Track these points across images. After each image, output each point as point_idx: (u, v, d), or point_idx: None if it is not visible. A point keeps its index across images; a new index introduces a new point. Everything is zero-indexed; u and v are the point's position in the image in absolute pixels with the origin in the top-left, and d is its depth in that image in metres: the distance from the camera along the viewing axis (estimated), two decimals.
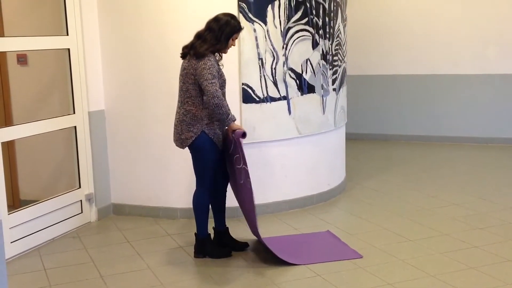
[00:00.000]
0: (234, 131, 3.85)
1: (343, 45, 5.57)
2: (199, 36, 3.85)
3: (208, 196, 4.03)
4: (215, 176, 4.01)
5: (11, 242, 4.12)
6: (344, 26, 5.60)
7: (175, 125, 3.93)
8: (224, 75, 3.92)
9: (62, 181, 5.01)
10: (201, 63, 3.74)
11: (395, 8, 8.01)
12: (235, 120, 3.88)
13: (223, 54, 3.98)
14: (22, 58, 5.05)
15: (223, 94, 3.90)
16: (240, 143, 3.81)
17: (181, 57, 3.92)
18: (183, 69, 3.86)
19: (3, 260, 2.16)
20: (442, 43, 7.81)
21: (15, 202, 5.20)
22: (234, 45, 3.97)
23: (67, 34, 4.59)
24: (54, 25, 4.67)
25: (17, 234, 4.19)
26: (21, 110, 5.13)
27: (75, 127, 4.72)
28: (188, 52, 3.84)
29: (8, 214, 4.12)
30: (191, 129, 3.83)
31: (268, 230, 4.53)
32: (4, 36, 4.90)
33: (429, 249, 4.14)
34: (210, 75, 3.73)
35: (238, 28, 3.91)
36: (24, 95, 5.15)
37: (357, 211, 5.13)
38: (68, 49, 4.61)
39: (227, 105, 3.82)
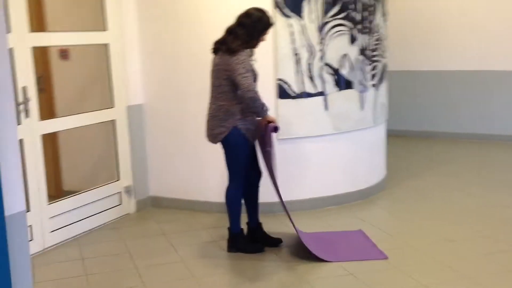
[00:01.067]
0: (268, 123, 3.84)
1: (384, 40, 5.47)
2: (230, 31, 3.85)
3: (240, 191, 4.04)
4: (247, 171, 4.02)
5: (51, 232, 4.26)
6: (385, 21, 5.50)
7: (208, 120, 3.95)
8: (256, 70, 3.91)
9: (103, 173, 5.12)
10: (233, 58, 3.74)
11: (440, 4, 7.80)
12: (269, 110, 3.87)
13: (255, 49, 3.96)
14: (64, 53, 5.18)
15: None
16: (270, 137, 3.81)
17: (212, 52, 3.93)
18: (215, 65, 3.87)
19: (27, 251, 2.21)
20: (492, 38, 7.56)
21: (58, 193, 5.34)
22: (265, 40, 3.94)
23: (106, 30, 4.68)
24: (95, 20, 4.76)
25: (56, 224, 4.32)
26: (63, 103, 5.27)
27: (114, 120, 4.82)
28: (220, 47, 3.85)
29: (48, 204, 4.25)
30: (224, 124, 3.85)
31: (303, 226, 4.49)
32: (47, 31, 5.04)
33: (468, 250, 4.03)
34: (243, 69, 3.73)
35: (270, 24, 3.90)
36: (67, 89, 5.29)
37: (396, 210, 5.04)
38: (108, 44, 4.70)
39: (261, 97, 3.80)
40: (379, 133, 5.56)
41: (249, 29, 3.82)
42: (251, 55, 3.93)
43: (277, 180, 3.93)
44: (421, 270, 3.72)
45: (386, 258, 3.92)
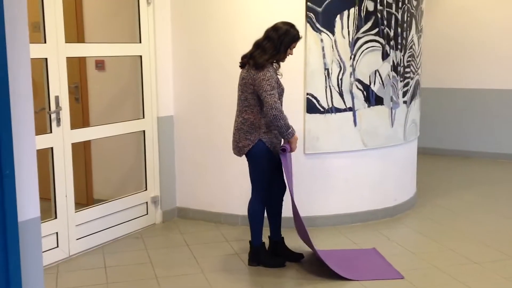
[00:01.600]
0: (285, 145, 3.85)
1: (417, 57, 5.40)
2: (258, 45, 3.87)
3: (263, 205, 4.04)
4: (271, 185, 4.01)
5: (77, 239, 4.33)
6: (419, 38, 5.43)
7: (233, 133, 3.97)
8: (282, 85, 3.91)
9: (132, 183, 5.20)
10: (260, 74, 3.76)
11: (480, 20, 7.65)
12: (294, 134, 3.84)
13: (282, 62, 3.97)
14: (100, 64, 5.31)
15: (281, 103, 3.89)
16: (284, 160, 3.80)
17: (240, 66, 3.95)
18: (242, 78, 3.90)
19: (40, 257, 2.26)
20: None
21: (89, 202, 5.45)
22: (292, 54, 3.95)
23: (140, 42, 4.77)
24: (131, 33, 4.86)
25: (83, 232, 4.39)
26: (97, 113, 5.39)
27: (144, 131, 4.89)
28: (247, 61, 3.87)
29: (75, 212, 4.33)
30: (249, 137, 3.86)
31: (326, 242, 4.47)
32: (84, 42, 5.18)
33: (493, 273, 3.93)
34: (269, 87, 3.73)
35: (297, 37, 3.89)
36: (101, 99, 5.41)
37: (424, 230, 4.94)
38: (141, 56, 4.80)
39: (287, 118, 3.79)
40: (409, 151, 5.47)
41: (276, 42, 3.83)
42: (277, 68, 3.94)
43: (293, 196, 3.90)
44: None
45: (402, 278, 3.84)
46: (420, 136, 5.81)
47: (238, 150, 3.96)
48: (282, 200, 4.13)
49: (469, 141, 7.93)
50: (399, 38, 5.07)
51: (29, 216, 2.17)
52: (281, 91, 3.90)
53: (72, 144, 4.29)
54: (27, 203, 2.15)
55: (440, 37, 7.81)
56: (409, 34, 5.19)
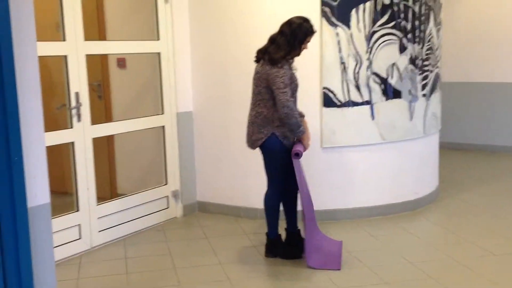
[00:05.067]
0: (295, 146, 3.87)
1: (436, 50, 5.37)
2: (272, 40, 3.90)
3: (278, 197, 4.08)
4: (286, 178, 4.05)
5: (99, 231, 4.45)
6: (438, 30, 5.39)
7: (247, 126, 4.03)
8: (297, 80, 3.94)
9: (153, 177, 5.30)
10: (274, 70, 3.79)
11: (504, 12, 7.54)
12: (304, 133, 3.88)
13: (297, 57, 4.00)
14: (121, 62, 5.43)
15: (295, 98, 3.92)
16: (295, 161, 3.83)
17: (255, 61, 4.00)
18: (256, 72, 3.94)
19: (50, 243, 2.35)
20: None
21: (113, 195, 5.57)
22: (306, 48, 3.97)
23: (158, 39, 4.87)
24: (149, 30, 4.97)
25: (105, 224, 4.51)
26: (120, 110, 5.51)
27: (163, 126, 4.99)
28: (262, 56, 3.91)
29: (97, 205, 4.45)
30: (262, 130, 3.91)
31: (345, 236, 4.48)
32: (106, 40, 5.31)
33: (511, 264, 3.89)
34: (282, 84, 3.76)
35: (311, 31, 3.91)
36: (122, 96, 5.52)
37: (444, 223, 4.92)
38: (159, 53, 4.89)
39: (298, 115, 3.83)
40: (430, 144, 5.44)
41: (289, 37, 3.86)
42: (291, 63, 3.97)
43: (302, 192, 3.94)
44: (460, 283, 3.64)
45: (339, 269, 3.88)
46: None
47: (251, 143, 4.01)
48: (297, 193, 4.15)
49: (495, 135, 7.81)
50: (417, 31, 5.04)
51: (38, 202, 2.26)
52: (295, 86, 3.92)
53: (96, 140, 4.42)
54: (37, 189, 2.24)
55: (467, 29, 7.72)
56: (427, 27, 5.16)
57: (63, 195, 4.88)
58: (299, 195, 4.07)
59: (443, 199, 5.53)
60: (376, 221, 4.89)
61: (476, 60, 7.79)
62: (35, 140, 2.18)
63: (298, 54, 3.97)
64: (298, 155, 3.83)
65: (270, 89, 3.84)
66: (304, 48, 3.97)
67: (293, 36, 3.86)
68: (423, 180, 5.33)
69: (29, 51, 2.19)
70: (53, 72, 5.18)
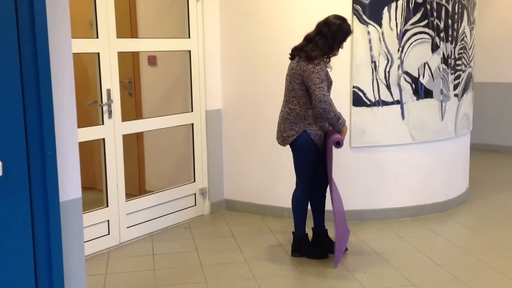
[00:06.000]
0: (335, 135, 3.83)
1: (469, 49, 5.28)
2: (309, 39, 3.87)
3: (306, 196, 4.07)
4: (315, 177, 4.03)
5: (127, 227, 4.50)
6: (471, 29, 5.31)
7: (279, 123, 4.02)
8: (330, 78, 3.92)
9: (182, 174, 5.33)
10: (310, 66, 3.77)
11: None
12: (345, 124, 3.86)
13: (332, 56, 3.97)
14: (152, 59, 5.47)
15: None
16: (330, 150, 3.79)
17: (289, 58, 3.98)
18: (291, 69, 3.92)
19: (81, 237, 2.38)
20: None
21: (141, 192, 5.62)
22: (343, 48, 3.95)
23: (189, 37, 4.89)
24: (181, 28, 4.99)
25: (133, 220, 4.55)
26: (150, 107, 5.56)
27: (192, 124, 5.01)
28: (298, 54, 3.89)
29: (126, 201, 4.49)
30: (293, 127, 3.90)
31: (373, 237, 4.45)
32: (138, 38, 5.35)
33: None
34: (318, 79, 3.75)
35: (349, 32, 3.90)
36: (153, 93, 5.57)
37: (474, 225, 4.84)
38: (189, 51, 4.92)
39: (336, 109, 3.80)
40: (461, 145, 5.36)
41: (329, 39, 3.83)
42: (327, 61, 3.95)
43: (332, 190, 3.92)
44: (489, 285, 3.58)
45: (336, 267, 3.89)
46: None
47: (282, 140, 4.00)
48: (326, 192, 4.14)
49: None
50: (450, 30, 4.97)
51: (70, 197, 2.29)
52: (329, 83, 3.90)
53: (126, 137, 4.46)
54: (69, 184, 2.27)
55: (500, 29, 7.56)
56: (460, 26, 5.08)
57: (93, 191, 4.94)
58: (327, 194, 4.05)
59: (473, 201, 5.44)
60: (404, 222, 4.84)
61: (509, 60, 7.64)
62: (69, 135, 2.21)
63: (336, 54, 3.95)
64: (340, 144, 3.76)
65: (304, 85, 3.82)
66: (341, 48, 3.94)
67: (333, 37, 3.83)
68: (453, 182, 5.26)
69: (64, 48, 2.23)
70: (88, 68, 5.24)
